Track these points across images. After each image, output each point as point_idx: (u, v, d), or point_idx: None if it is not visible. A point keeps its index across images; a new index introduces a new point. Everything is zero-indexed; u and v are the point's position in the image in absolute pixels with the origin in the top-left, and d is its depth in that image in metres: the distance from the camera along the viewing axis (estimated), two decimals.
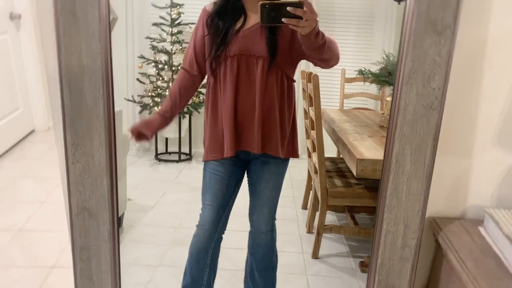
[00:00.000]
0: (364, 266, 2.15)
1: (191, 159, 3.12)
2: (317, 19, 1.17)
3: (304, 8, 1.13)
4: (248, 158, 1.51)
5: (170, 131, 3.17)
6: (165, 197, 2.74)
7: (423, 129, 1.03)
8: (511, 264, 1.02)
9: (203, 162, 1.55)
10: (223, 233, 1.60)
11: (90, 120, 1.02)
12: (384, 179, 1.07)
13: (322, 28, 1.22)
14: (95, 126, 1.02)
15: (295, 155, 1.56)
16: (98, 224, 1.08)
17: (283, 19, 1.13)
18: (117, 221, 1.10)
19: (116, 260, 1.11)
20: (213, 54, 1.37)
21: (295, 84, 1.50)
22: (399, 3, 2.50)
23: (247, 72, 1.37)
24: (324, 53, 1.29)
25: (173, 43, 2.93)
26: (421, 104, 1.01)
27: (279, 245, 1.69)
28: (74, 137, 1.02)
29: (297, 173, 2.85)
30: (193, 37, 1.47)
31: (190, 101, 2.98)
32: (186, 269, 1.60)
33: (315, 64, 1.41)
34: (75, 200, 1.06)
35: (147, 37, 2.99)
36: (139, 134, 1.47)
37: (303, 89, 2.45)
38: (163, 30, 2.94)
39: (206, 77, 1.50)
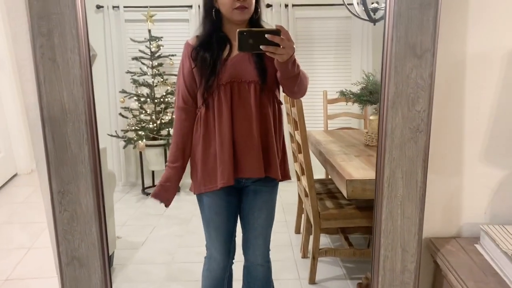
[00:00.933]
0: None
1: (179, 191, 3.08)
2: (294, 46, 1.19)
3: (281, 36, 1.14)
4: (239, 186, 1.49)
5: (155, 164, 3.13)
6: (155, 232, 2.69)
7: (412, 152, 1.03)
8: None
9: (195, 195, 1.52)
10: (234, 259, 1.60)
11: (75, 166, 0.99)
12: (378, 204, 1.07)
13: (301, 52, 1.25)
14: (81, 172, 1.00)
15: (287, 177, 1.55)
16: (89, 273, 1.04)
17: (261, 47, 1.14)
18: (109, 268, 1.06)
19: None
20: (205, 84, 1.37)
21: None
22: (374, 24, 2.56)
23: (241, 98, 1.37)
24: (297, 84, 1.33)
25: (154, 75, 2.94)
26: (407, 127, 1.02)
27: (276, 272, 1.67)
28: (60, 185, 0.99)
29: (288, 196, 2.83)
30: (181, 73, 1.45)
31: None
32: None
33: (285, 93, 1.44)
34: (64, 249, 1.02)
35: (128, 71, 2.99)
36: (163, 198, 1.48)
37: (287, 113, 2.46)
38: (143, 63, 2.95)
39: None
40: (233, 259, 1.60)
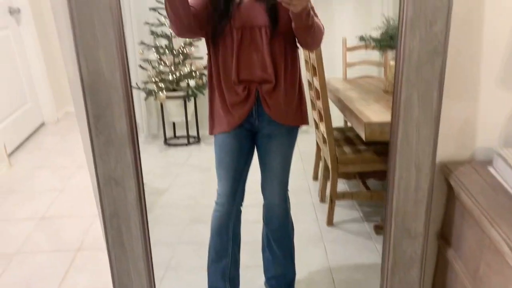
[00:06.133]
0: (379, 229, 2.20)
1: (199, 142, 3.15)
2: None
3: None
4: (254, 129, 1.54)
5: (176, 115, 3.19)
6: (178, 179, 2.79)
7: (428, 74, 1.06)
8: None
9: (213, 140, 1.58)
10: (241, 206, 1.64)
11: (109, 92, 1.06)
12: (394, 126, 1.11)
13: None
14: (114, 97, 1.06)
15: (304, 122, 1.59)
16: (125, 192, 1.13)
17: None
18: (143, 188, 1.15)
19: (145, 226, 1.17)
20: (217, 26, 1.40)
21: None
22: None
23: (251, 42, 1.40)
24: (310, 36, 1.37)
25: None
26: (424, 50, 1.05)
27: (294, 215, 1.73)
28: (95, 109, 1.07)
29: (305, 146, 2.87)
30: None
31: (194, 84, 3.02)
32: (210, 245, 1.65)
33: (299, 43, 1.47)
34: (101, 170, 1.11)
35: (146, 23, 3.00)
36: None
37: (305, 60, 2.47)
38: (160, 14, 2.94)
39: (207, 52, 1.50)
40: (241, 205, 1.63)
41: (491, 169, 1.20)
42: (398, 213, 1.18)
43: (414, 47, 1.04)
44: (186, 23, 1.36)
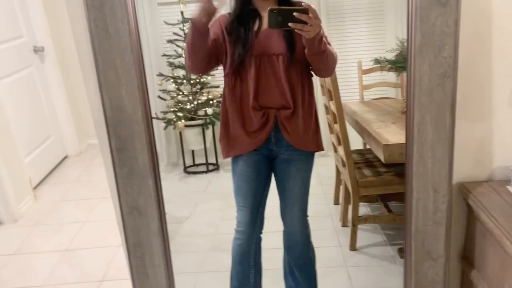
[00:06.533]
0: (403, 252, 2.16)
1: (218, 169, 3.18)
2: (321, 24, 1.29)
3: (309, 14, 1.24)
4: (272, 155, 1.56)
5: (195, 143, 3.25)
6: (198, 207, 2.80)
7: (440, 97, 1.08)
8: None
9: (231, 167, 1.59)
10: (261, 233, 1.63)
11: (131, 125, 1.11)
12: (409, 149, 1.13)
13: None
14: (136, 130, 1.12)
15: (321, 148, 1.60)
16: (148, 221, 1.16)
17: (289, 24, 1.24)
18: (164, 218, 1.18)
19: (167, 254, 1.20)
20: (237, 55, 1.44)
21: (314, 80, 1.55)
22: None
23: (270, 70, 1.45)
24: (323, 62, 1.42)
25: None
26: (435, 73, 1.07)
27: (316, 241, 1.72)
28: (118, 143, 1.12)
29: (324, 171, 2.87)
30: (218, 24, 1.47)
31: (212, 112, 3.08)
32: (232, 274, 1.64)
33: (312, 71, 1.51)
34: (124, 200, 1.15)
35: (164, 55, 3.11)
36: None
37: (321, 85, 2.50)
38: (178, 46, 3.04)
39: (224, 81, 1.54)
40: (261, 233, 1.62)
41: (510, 188, 1.20)
42: (417, 235, 1.17)
43: (424, 72, 1.07)
44: (206, 62, 1.44)
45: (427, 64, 1.07)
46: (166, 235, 1.19)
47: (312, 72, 1.52)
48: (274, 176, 1.62)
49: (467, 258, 1.34)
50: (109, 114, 1.11)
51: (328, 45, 1.41)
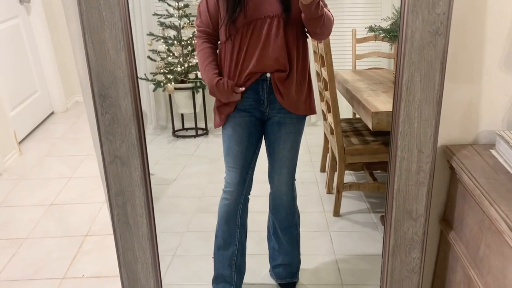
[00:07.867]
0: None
1: (207, 134, 3.17)
2: None
3: None
4: (263, 117, 1.56)
5: (184, 107, 3.22)
6: (186, 170, 2.81)
7: (430, 55, 1.07)
8: None
9: (221, 132, 1.59)
10: (249, 194, 1.65)
11: (114, 71, 1.08)
12: (396, 107, 1.12)
13: None
14: (119, 77, 1.09)
15: (313, 111, 1.60)
16: (130, 170, 1.15)
17: None
18: (148, 167, 1.17)
19: (149, 204, 1.19)
20: (229, 18, 1.41)
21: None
22: None
23: (265, 32, 1.42)
24: (320, 26, 1.40)
25: (180, 17, 2.96)
26: (427, 30, 1.05)
27: (301, 206, 1.74)
28: (101, 89, 1.09)
29: (313, 139, 2.88)
30: (205, 2, 1.49)
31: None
32: (217, 232, 1.66)
33: (308, 34, 1.49)
34: (107, 149, 1.14)
35: (154, 14, 3.03)
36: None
37: (314, 51, 2.47)
38: (169, 5, 2.97)
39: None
40: (249, 194, 1.64)
41: (493, 151, 1.20)
42: (399, 194, 1.18)
43: (417, 28, 1.05)
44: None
45: (420, 20, 1.04)
46: (149, 185, 1.18)
47: (308, 34, 1.50)
48: (265, 138, 1.63)
49: (447, 220, 1.36)
50: (91, 58, 1.08)
51: (325, 9, 1.39)
